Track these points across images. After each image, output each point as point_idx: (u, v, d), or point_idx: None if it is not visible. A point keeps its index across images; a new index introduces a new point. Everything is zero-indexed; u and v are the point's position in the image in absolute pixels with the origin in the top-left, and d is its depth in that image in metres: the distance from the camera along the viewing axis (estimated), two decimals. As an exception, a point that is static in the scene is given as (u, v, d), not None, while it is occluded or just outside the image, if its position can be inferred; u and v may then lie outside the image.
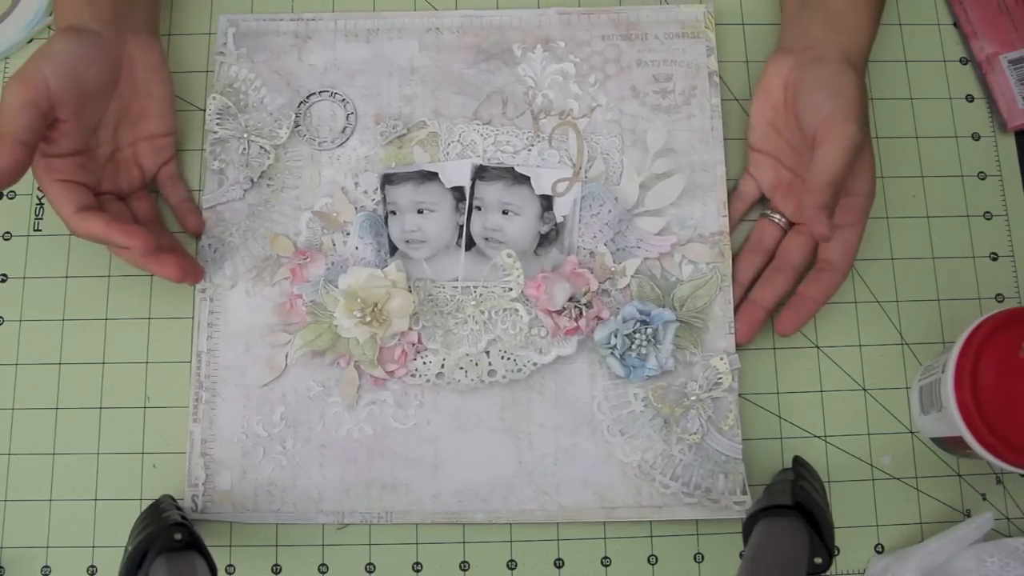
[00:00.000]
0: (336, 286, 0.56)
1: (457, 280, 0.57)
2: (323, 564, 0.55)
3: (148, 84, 0.56)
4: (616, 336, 0.55)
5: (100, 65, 0.53)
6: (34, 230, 0.59)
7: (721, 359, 0.56)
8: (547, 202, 0.57)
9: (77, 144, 0.53)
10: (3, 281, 0.59)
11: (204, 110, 0.60)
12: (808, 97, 0.53)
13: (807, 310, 0.56)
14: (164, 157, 0.58)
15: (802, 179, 0.56)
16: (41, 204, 0.60)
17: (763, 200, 0.59)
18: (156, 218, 0.58)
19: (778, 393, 0.58)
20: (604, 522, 0.56)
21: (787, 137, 0.56)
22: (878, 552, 0.56)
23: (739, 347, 0.57)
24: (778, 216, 0.57)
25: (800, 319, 0.56)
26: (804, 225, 0.56)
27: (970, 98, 0.62)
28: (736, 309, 0.57)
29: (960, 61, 0.63)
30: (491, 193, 0.57)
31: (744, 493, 0.54)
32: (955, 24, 0.63)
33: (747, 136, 0.59)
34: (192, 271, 0.55)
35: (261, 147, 0.59)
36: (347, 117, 0.60)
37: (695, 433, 0.55)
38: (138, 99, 0.56)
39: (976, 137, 0.62)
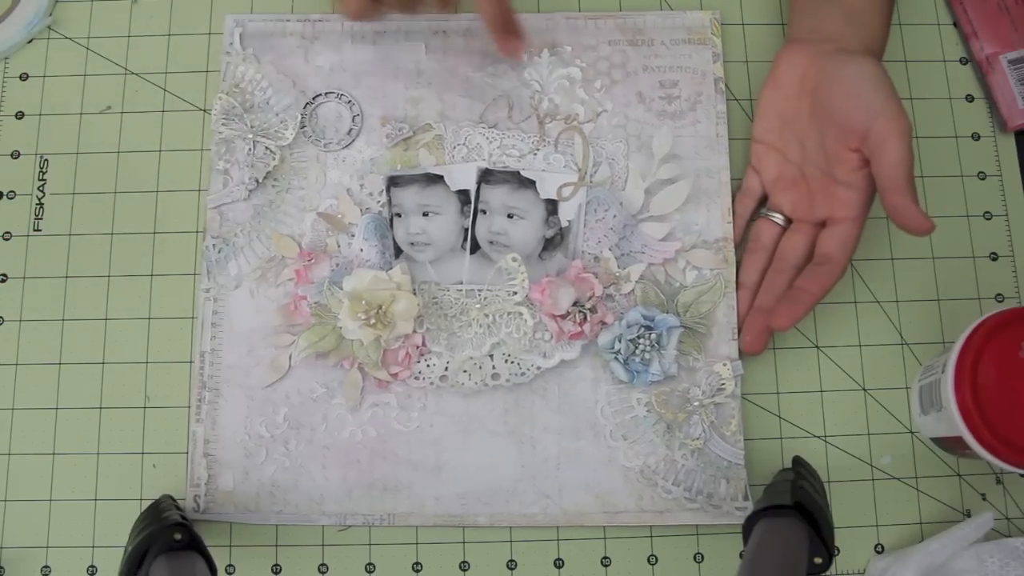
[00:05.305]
0: (340, 288, 0.55)
1: (462, 283, 0.57)
2: (323, 564, 0.55)
3: None
4: (620, 341, 0.55)
5: None
6: (34, 230, 0.59)
7: (724, 365, 0.56)
8: (552, 206, 0.57)
9: None
10: (3, 281, 0.58)
11: (205, 110, 0.60)
12: (845, 91, 0.52)
13: (803, 303, 0.54)
14: None
15: (807, 174, 0.56)
16: (41, 204, 0.59)
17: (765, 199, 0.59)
18: None
19: (778, 393, 0.58)
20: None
21: (795, 129, 0.56)
22: (878, 552, 0.56)
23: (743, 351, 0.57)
24: (777, 215, 0.57)
25: (796, 313, 0.53)
26: (802, 222, 0.56)
27: (970, 98, 0.62)
28: (742, 313, 0.57)
29: (960, 61, 0.63)
30: (496, 197, 0.57)
31: (746, 499, 0.54)
32: (955, 24, 0.63)
33: (752, 129, 0.58)
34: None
35: (267, 148, 0.59)
36: (353, 119, 0.59)
37: (698, 439, 0.55)
38: None
39: (976, 137, 0.62)
